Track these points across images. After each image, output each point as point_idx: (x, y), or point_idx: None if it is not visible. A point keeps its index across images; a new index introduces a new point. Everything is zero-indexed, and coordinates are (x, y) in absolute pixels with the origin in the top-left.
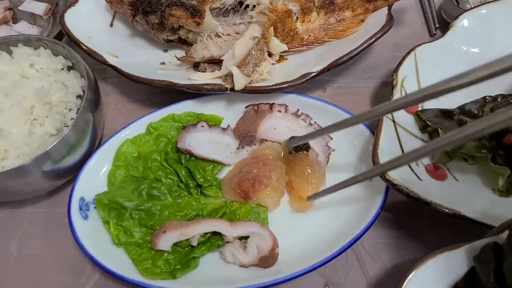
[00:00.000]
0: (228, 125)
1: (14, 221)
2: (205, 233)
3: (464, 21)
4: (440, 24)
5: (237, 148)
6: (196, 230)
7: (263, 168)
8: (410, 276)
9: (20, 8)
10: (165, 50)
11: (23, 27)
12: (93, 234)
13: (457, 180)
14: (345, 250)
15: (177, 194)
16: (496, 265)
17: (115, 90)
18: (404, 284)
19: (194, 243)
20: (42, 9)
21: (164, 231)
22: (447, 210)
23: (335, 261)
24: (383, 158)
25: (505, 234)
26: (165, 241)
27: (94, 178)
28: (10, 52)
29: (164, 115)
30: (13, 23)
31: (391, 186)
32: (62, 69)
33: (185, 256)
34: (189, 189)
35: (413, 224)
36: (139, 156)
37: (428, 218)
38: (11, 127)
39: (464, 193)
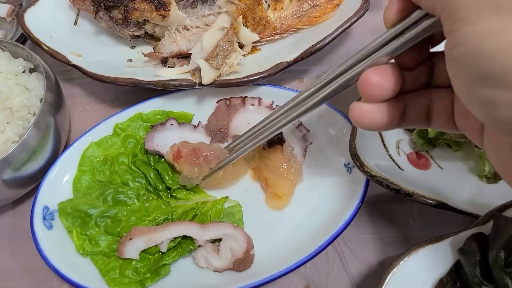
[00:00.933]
0: (199, 121)
1: None
2: (175, 238)
3: None
4: None
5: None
6: (164, 235)
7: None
8: (392, 272)
9: None
10: (133, 47)
11: None
12: (58, 244)
13: (442, 168)
14: (325, 248)
15: (145, 198)
16: (482, 257)
17: (82, 91)
18: (385, 281)
19: (164, 249)
20: (4, 11)
21: (131, 238)
22: (430, 201)
23: (315, 261)
24: (361, 149)
25: (490, 223)
26: (132, 249)
27: (58, 185)
28: None
29: (131, 115)
30: None
31: (369, 177)
32: (23, 72)
33: (155, 264)
34: (158, 192)
35: (398, 216)
36: (106, 160)
37: (413, 209)
38: None
39: (449, 182)
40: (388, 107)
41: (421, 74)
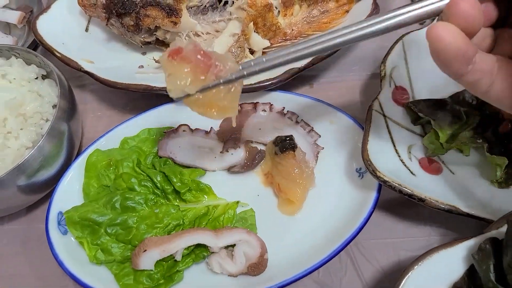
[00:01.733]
0: (211, 127)
1: None
2: (190, 246)
3: None
4: None
5: (221, 152)
6: (179, 245)
7: None
8: (407, 277)
9: None
10: (144, 53)
11: None
12: (73, 249)
13: (453, 173)
14: (338, 253)
15: (153, 202)
16: (496, 262)
17: (94, 97)
18: (400, 286)
19: (178, 258)
20: (16, 17)
21: (145, 250)
22: (443, 206)
23: (328, 265)
24: (373, 154)
25: (504, 228)
26: (147, 260)
27: (72, 191)
28: None
29: (142, 122)
30: None
31: (382, 183)
32: (36, 79)
33: (169, 270)
34: (167, 196)
35: (410, 222)
36: (109, 164)
37: (426, 214)
38: None
39: (461, 187)
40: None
41: None
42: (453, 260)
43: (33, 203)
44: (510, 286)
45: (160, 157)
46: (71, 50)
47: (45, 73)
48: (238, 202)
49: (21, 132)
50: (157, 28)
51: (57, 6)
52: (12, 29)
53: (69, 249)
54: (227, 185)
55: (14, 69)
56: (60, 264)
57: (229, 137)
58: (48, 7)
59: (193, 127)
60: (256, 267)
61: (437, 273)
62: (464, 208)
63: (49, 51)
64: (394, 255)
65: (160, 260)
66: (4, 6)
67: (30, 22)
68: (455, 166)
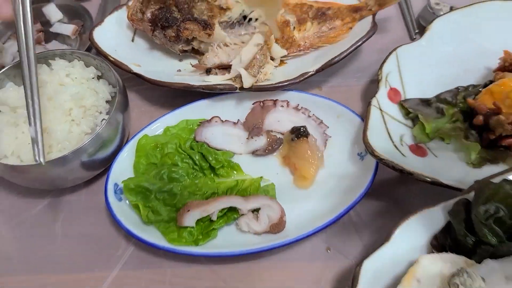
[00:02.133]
0: (238, 119)
1: (56, 207)
2: (223, 209)
3: (438, 25)
4: (419, 30)
5: (247, 139)
6: (215, 207)
7: None
8: (398, 229)
9: (51, 30)
10: (180, 60)
11: (54, 47)
12: (126, 213)
13: (436, 156)
14: (342, 216)
15: (194, 175)
16: (466, 216)
17: (137, 96)
18: (393, 236)
19: (214, 217)
20: (70, 30)
21: (188, 210)
22: (428, 179)
23: (334, 229)
24: (371, 139)
25: (473, 193)
26: (190, 219)
27: (125, 167)
28: (49, 65)
29: (178, 116)
30: (45, 43)
31: (379, 160)
32: (93, 78)
33: (206, 228)
34: (203, 171)
35: (401, 195)
36: (156, 146)
37: (414, 190)
38: (54, 126)
39: (442, 167)
40: None
41: None
42: (434, 217)
43: (90, 179)
44: (476, 233)
45: (197, 142)
46: (121, 56)
47: (100, 74)
48: (261, 177)
49: (82, 120)
50: (193, 38)
51: (109, 20)
52: (65, 40)
53: (123, 212)
54: (252, 165)
55: (76, 69)
56: (118, 222)
57: (253, 127)
58: (102, 20)
59: (223, 119)
60: (277, 227)
61: (421, 227)
62: (445, 181)
63: (103, 56)
64: (388, 221)
65: (199, 219)
66: (59, 21)
67: (81, 34)
68: (438, 151)
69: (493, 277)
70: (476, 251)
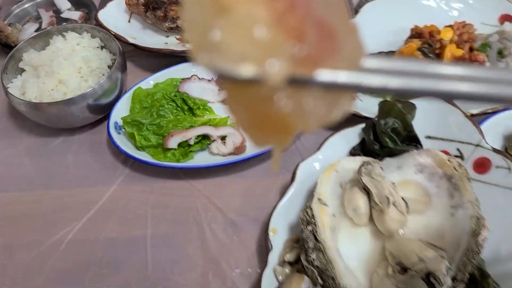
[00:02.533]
0: (212, 77)
1: (68, 143)
2: (199, 136)
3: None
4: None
5: (218, 90)
6: (193, 133)
7: None
8: (326, 142)
9: (62, 15)
10: (167, 36)
11: None
12: (124, 142)
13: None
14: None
15: (176, 114)
16: (373, 131)
17: (133, 64)
18: (322, 146)
19: (191, 142)
20: (78, 15)
21: (172, 135)
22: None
23: (283, 153)
24: None
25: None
26: (173, 142)
27: (123, 110)
28: (63, 36)
29: (167, 73)
30: (57, 25)
31: None
32: (97, 47)
33: (185, 151)
34: (184, 111)
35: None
36: (148, 94)
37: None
38: (69, 79)
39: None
40: None
41: None
42: (352, 134)
43: (95, 122)
44: (380, 142)
45: (179, 92)
46: (120, 31)
47: (103, 45)
48: (228, 116)
49: (89, 77)
50: (178, 17)
51: (111, 5)
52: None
53: (121, 141)
54: (222, 109)
55: (84, 40)
56: (118, 147)
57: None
58: (105, 5)
59: (200, 77)
60: (239, 149)
61: (343, 141)
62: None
63: (106, 30)
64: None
65: (180, 143)
66: (68, 9)
67: (86, 20)
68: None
69: (389, 167)
70: (379, 154)
